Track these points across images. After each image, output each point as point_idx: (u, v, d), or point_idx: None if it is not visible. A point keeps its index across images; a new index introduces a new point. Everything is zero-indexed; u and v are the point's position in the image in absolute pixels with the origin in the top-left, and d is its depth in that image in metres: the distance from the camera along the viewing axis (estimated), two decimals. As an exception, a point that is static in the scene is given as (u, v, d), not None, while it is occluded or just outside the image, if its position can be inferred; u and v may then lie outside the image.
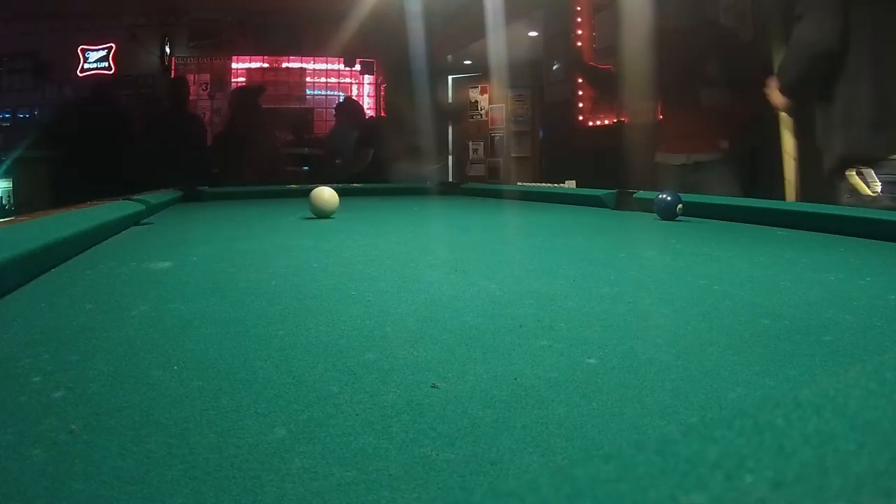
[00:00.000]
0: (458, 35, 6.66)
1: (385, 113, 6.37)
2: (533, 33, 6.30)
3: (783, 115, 2.88)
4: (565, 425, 0.49)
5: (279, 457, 0.44)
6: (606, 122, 4.97)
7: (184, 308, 0.88)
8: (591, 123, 5.14)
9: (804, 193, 2.84)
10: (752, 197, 2.42)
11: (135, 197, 2.34)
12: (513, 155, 7.57)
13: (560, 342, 0.72)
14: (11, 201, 6.34)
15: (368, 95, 8.94)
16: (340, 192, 2.36)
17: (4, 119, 7.53)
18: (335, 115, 6.64)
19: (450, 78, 8.45)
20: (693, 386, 0.58)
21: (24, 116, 7.52)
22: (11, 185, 6.31)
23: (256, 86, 6.70)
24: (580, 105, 5.20)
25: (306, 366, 0.64)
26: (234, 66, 8.26)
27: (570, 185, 3.65)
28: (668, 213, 2.13)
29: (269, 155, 5.63)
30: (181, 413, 0.51)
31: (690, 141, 3.20)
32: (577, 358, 0.66)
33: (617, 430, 0.49)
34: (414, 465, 0.43)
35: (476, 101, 8.35)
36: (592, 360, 0.65)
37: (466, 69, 8.15)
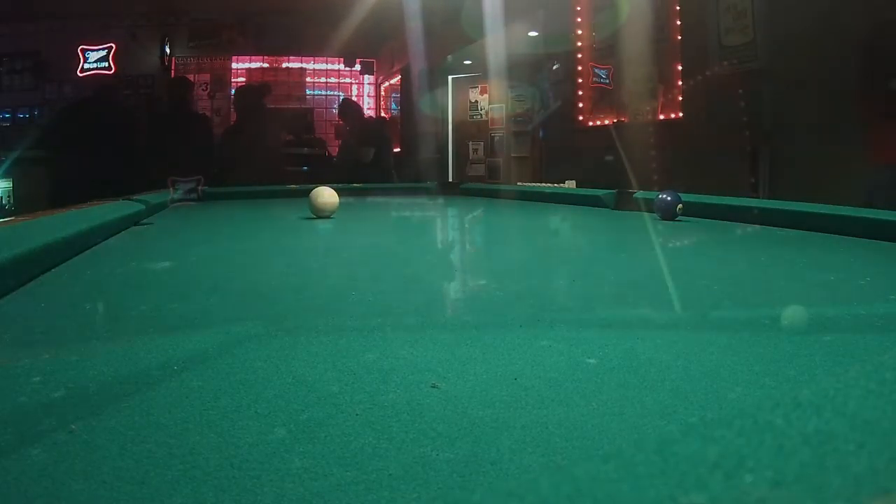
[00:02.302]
0: (458, 35, 6.65)
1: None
2: (533, 33, 6.29)
3: None
4: (565, 425, 0.49)
5: (279, 457, 0.44)
6: (606, 121, 4.97)
7: (184, 308, 0.88)
8: (591, 123, 5.14)
9: None
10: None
11: (135, 197, 2.34)
12: (513, 155, 7.57)
13: (560, 342, 0.72)
14: (11, 201, 6.33)
15: (368, 95, 8.95)
16: (340, 192, 2.37)
17: (4, 119, 7.54)
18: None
19: (450, 78, 8.45)
20: (693, 386, 0.58)
21: (24, 116, 7.52)
22: (11, 185, 6.30)
23: (260, 85, 6.68)
24: (580, 105, 5.20)
25: (306, 366, 0.63)
26: (234, 66, 8.27)
27: (570, 185, 3.65)
28: (668, 213, 2.13)
29: (269, 155, 5.62)
30: (181, 413, 0.51)
31: None
32: (577, 358, 0.66)
33: (617, 430, 0.49)
34: (414, 465, 0.43)
35: (476, 101, 8.35)
36: (592, 360, 0.65)
37: (466, 69, 8.14)
